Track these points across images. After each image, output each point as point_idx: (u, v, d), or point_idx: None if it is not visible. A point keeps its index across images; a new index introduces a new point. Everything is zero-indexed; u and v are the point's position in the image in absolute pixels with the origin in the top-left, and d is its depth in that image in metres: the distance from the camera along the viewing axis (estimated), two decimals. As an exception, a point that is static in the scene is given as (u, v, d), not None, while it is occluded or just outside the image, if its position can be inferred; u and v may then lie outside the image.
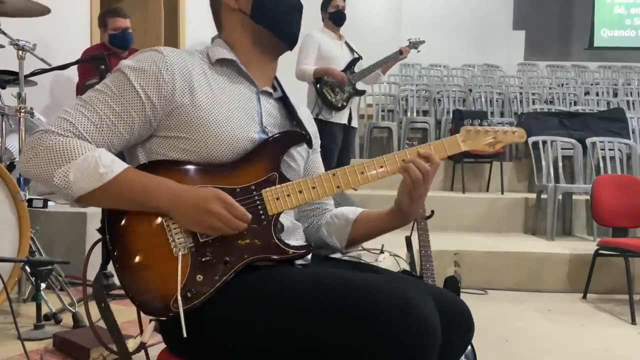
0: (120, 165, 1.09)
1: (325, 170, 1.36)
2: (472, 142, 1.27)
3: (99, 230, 1.12)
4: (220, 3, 1.28)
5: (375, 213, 1.34)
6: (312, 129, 1.39)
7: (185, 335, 1.02)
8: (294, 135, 1.25)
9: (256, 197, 1.13)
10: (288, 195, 1.15)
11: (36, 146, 1.06)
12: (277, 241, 1.13)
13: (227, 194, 1.08)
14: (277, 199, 1.14)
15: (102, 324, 1.14)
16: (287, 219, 1.23)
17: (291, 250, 1.14)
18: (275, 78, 1.34)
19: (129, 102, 1.11)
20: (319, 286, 1.02)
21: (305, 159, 1.35)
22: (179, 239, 1.08)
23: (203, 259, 1.07)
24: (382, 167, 1.20)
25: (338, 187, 1.19)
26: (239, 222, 1.07)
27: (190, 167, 1.13)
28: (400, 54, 4.23)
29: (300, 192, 1.16)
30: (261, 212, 1.13)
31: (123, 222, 1.09)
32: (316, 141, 1.42)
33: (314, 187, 1.17)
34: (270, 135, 1.21)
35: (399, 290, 0.98)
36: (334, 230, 1.35)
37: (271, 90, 1.30)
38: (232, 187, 1.12)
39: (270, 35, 1.25)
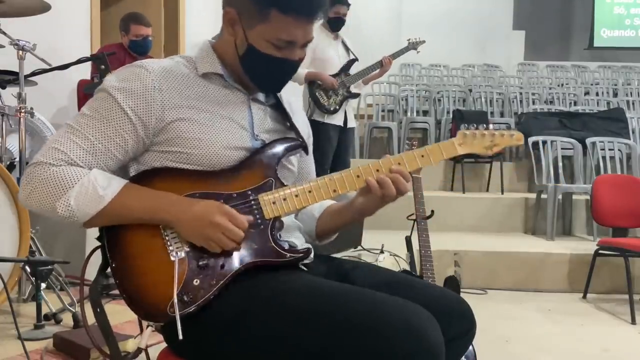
0: (118, 184, 1.09)
1: (319, 170, 1.35)
2: (469, 146, 1.27)
3: (98, 238, 1.13)
4: (224, 17, 1.19)
5: (338, 207, 1.32)
6: (306, 129, 1.39)
7: (181, 337, 1.01)
8: (291, 142, 1.24)
9: (252, 202, 1.13)
10: (284, 200, 1.15)
11: (32, 180, 1.07)
12: (274, 245, 1.12)
13: (228, 206, 1.08)
14: (274, 203, 1.14)
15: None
16: (287, 217, 1.23)
17: (289, 254, 1.13)
18: None
19: (120, 125, 1.10)
20: (323, 298, 1.02)
21: (298, 160, 1.35)
22: (175, 243, 1.08)
23: (200, 264, 1.07)
24: (378, 170, 1.19)
25: (334, 190, 1.18)
26: (240, 233, 1.07)
27: (186, 174, 1.13)
28: (381, 65, 4.17)
29: (296, 196, 1.16)
30: (258, 216, 1.13)
31: (120, 228, 1.09)
32: (309, 140, 1.41)
33: (310, 191, 1.16)
34: (263, 142, 1.21)
35: (405, 313, 0.98)
36: (303, 226, 1.35)
37: (262, 98, 1.28)
38: (229, 193, 1.12)
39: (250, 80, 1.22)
